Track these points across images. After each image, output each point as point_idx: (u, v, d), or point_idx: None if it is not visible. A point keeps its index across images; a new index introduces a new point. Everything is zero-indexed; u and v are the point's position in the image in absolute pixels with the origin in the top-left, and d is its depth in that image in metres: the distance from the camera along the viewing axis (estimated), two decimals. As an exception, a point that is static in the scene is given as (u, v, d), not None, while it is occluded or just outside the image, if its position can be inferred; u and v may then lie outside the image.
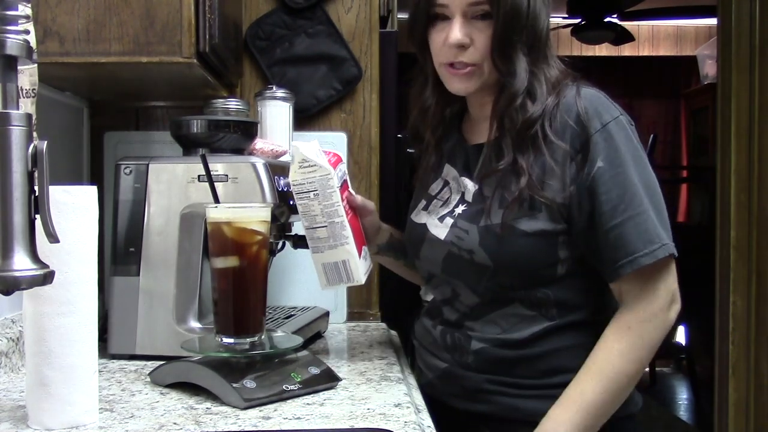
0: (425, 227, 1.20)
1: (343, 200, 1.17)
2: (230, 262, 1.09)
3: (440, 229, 1.17)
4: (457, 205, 1.17)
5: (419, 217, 1.24)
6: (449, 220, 1.16)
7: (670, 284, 1.09)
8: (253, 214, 1.11)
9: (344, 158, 1.23)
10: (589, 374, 1.07)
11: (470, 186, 1.17)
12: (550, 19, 1.17)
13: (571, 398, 1.07)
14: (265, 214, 1.12)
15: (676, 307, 1.10)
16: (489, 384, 1.14)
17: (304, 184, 1.16)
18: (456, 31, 1.10)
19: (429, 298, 1.25)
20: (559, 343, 1.12)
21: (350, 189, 1.23)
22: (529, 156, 1.09)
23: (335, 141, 1.75)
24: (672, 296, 1.09)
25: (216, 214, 1.11)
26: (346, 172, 1.24)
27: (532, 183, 1.07)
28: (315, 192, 1.16)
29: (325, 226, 1.17)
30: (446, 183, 1.22)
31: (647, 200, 1.07)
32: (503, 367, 1.13)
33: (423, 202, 1.25)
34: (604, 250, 1.08)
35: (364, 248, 1.24)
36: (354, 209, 1.23)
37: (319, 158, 1.16)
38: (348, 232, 1.17)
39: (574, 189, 1.07)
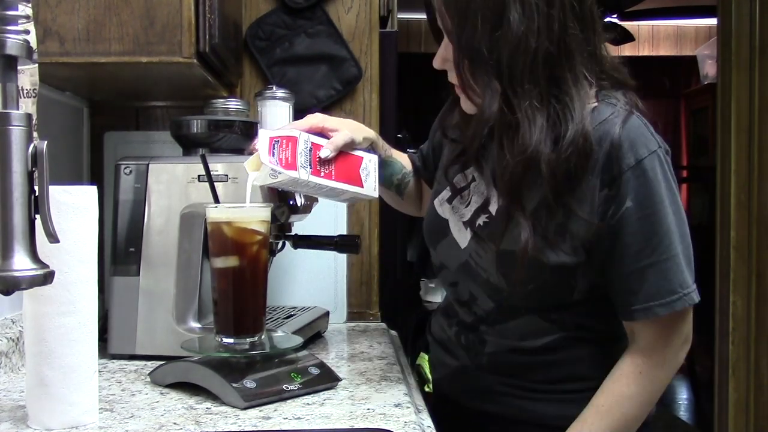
0: (447, 225, 1.17)
1: (320, 172, 1.14)
2: (230, 261, 1.09)
3: (462, 236, 1.14)
4: (478, 213, 1.13)
5: (443, 209, 1.19)
6: (471, 230, 1.13)
7: (685, 329, 1.06)
8: (253, 214, 1.11)
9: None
10: (598, 415, 1.05)
11: (495, 197, 1.11)
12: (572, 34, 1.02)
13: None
14: (265, 214, 1.12)
15: (687, 347, 1.08)
16: (501, 386, 1.13)
17: (280, 186, 1.14)
18: (435, 57, 1.09)
19: (429, 298, 1.25)
20: (575, 352, 1.11)
21: (323, 145, 1.16)
22: (533, 210, 1.02)
23: (335, 141, 1.75)
24: (685, 339, 1.07)
25: (216, 214, 1.11)
26: (309, 137, 1.16)
27: (536, 243, 1.02)
28: (292, 187, 1.16)
29: (319, 193, 1.19)
30: (472, 179, 1.16)
31: (678, 243, 1.02)
32: (517, 371, 1.12)
33: (448, 192, 1.19)
34: (621, 290, 1.05)
35: (363, 167, 1.21)
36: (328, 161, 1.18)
37: (277, 176, 1.09)
38: (340, 186, 1.16)
39: (599, 224, 1.02)
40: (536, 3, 0.99)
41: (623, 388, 1.05)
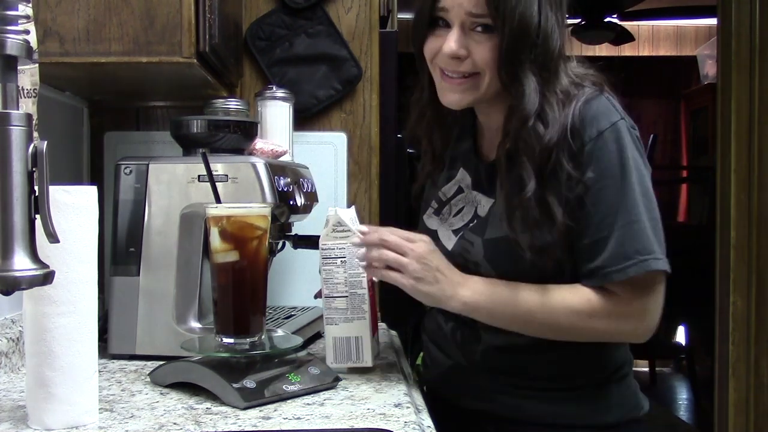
0: (436, 235, 1.19)
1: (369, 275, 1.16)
2: (230, 256, 1.09)
3: (450, 242, 1.16)
4: (472, 220, 1.15)
5: (431, 221, 1.22)
6: (457, 236, 1.15)
7: (645, 301, 1.05)
8: (252, 210, 1.12)
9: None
10: (537, 295, 1.05)
11: (484, 201, 1.14)
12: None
13: (501, 286, 1.06)
14: (265, 212, 1.12)
15: (649, 322, 1.05)
16: (493, 384, 1.14)
17: (333, 249, 1.15)
18: (451, 42, 1.05)
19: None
20: (568, 348, 1.11)
21: None
22: (556, 191, 1.04)
23: (335, 141, 1.76)
24: (645, 312, 1.05)
25: (216, 213, 1.11)
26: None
27: (567, 226, 1.03)
28: (342, 259, 1.14)
29: (346, 297, 1.15)
30: (461, 190, 1.19)
31: (640, 211, 1.03)
32: (510, 368, 1.13)
33: (434, 205, 1.22)
34: (583, 258, 1.05)
35: (377, 333, 1.22)
36: (372, 287, 1.20)
37: (355, 225, 1.15)
38: (367, 306, 1.16)
39: (569, 199, 1.04)
40: None
41: (572, 298, 1.05)
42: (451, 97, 1.10)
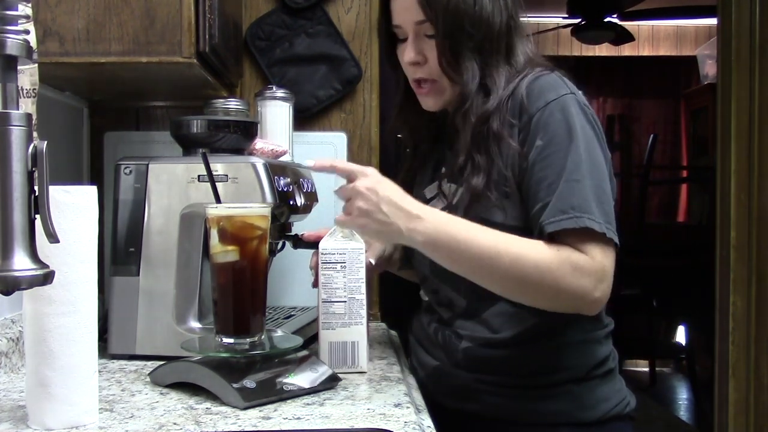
0: None
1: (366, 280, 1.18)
2: (230, 256, 1.09)
3: None
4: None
5: None
6: None
7: (606, 263, 1.02)
8: (253, 210, 1.12)
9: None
10: (503, 237, 1.03)
11: (453, 190, 1.17)
12: (529, 17, 1.20)
13: (465, 223, 1.05)
14: (265, 212, 1.12)
15: (602, 290, 1.03)
16: (478, 383, 1.14)
17: (333, 254, 1.16)
18: (408, 51, 1.15)
19: (427, 298, 1.26)
20: (546, 343, 1.12)
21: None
22: (488, 153, 1.09)
23: (335, 141, 1.76)
24: (604, 274, 1.02)
25: (216, 213, 1.11)
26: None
27: (490, 181, 1.08)
28: (342, 264, 1.16)
29: (344, 302, 1.17)
30: (441, 192, 1.21)
31: (583, 174, 1.03)
32: (491, 366, 1.14)
33: None
34: (535, 221, 1.06)
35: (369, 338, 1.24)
36: (370, 281, 1.24)
37: (356, 234, 1.17)
38: (365, 312, 1.17)
39: (520, 170, 1.08)
40: None
41: (537, 255, 1.02)
42: (426, 102, 1.20)
